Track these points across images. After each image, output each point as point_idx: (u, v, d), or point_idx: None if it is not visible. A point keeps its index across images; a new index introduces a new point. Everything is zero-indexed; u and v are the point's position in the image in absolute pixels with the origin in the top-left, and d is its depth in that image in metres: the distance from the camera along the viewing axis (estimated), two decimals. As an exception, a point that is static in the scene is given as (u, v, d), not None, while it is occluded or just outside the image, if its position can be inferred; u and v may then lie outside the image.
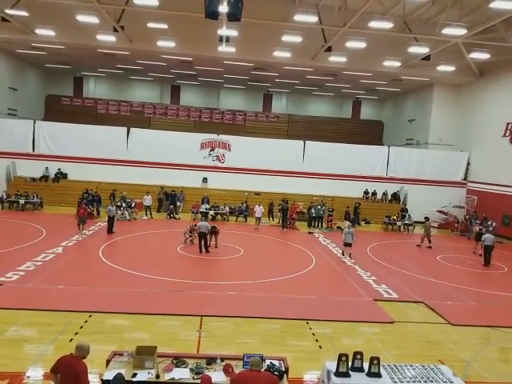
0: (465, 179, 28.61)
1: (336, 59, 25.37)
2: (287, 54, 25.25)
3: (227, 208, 24.39)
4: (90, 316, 9.34)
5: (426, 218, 20.81)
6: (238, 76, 33.58)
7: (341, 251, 17.37)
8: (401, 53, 24.81)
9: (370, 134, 38.20)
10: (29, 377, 6.86)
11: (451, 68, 25.90)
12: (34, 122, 27.10)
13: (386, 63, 25.93)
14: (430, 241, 20.29)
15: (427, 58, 24.23)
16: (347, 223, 19.59)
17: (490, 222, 21.22)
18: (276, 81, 34.63)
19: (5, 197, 23.26)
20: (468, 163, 28.48)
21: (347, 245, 16.87)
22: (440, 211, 26.99)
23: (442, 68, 25.91)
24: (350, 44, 23.16)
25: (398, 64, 26.09)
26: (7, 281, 11.24)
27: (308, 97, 40.61)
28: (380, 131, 39.47)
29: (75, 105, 36.49)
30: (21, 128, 26.74)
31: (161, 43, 24.53)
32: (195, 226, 16.70)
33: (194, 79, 36.72)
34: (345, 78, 31.04)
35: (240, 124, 37.50)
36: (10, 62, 29.86)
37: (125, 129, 27.41)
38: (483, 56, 23.92)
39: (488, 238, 17.33)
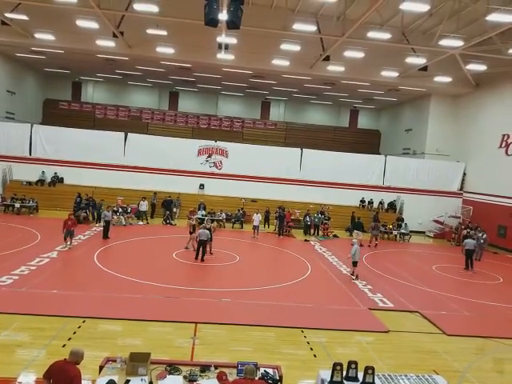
0: (461, 189, 28.75)
1: (334, 68, 25.56)
2: (286, 63, 25.41)
3: (224, 214, 24.37)
4: (84, 321, 9.26)
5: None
6: (236, 83, 33.76)
7: (337, 260, 17.13)
8: (398, 63, 25.06)
9: (367, 143, 38.40)
10: (20, 382, 6.79)
11: (448, 79, 26.18)
12: (32, 126, 27.03)
13: (384, 73, 26.16)
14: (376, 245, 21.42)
15: (424, 68, 24.52)
16: (356, 234, 19.44)
17: (481, 234, 20.82)
18: (274, 89, 34.83)
19: (0, 200, 23.12)
20: (464, 173, 28.64)
21: (355, 264, 14.89)
22: (436, 221, 27.08)
23: (438, 79, 26.20)
24: (348, 53, 23.42)
25: (395, 74, 26.34)
26: (1, 285, 11.15)
27: (306, 105, 40.83)
28: (377, 140, 39.68)
29: (73, 109, 36.49)
30: (18, 131, 26.66)
31: (160, 49, 24.65)
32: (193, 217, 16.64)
33: (193, 86, 36.87)
34: (342, 87, 31.28)
35: (238, 131, 37.61)
36: (8, 66, 29.88)
37: (122, 134, 27.40)
38: (480, 67, 24.19)
39: (469, 242, 18.10)
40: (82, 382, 5.30)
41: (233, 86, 35.36)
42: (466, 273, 17.62)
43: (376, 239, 22.16)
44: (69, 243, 15.93)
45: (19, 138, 26.45)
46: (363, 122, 41.38)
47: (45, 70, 34.57)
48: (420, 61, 23.62)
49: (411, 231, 24.80)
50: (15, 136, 26.41)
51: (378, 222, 23.56)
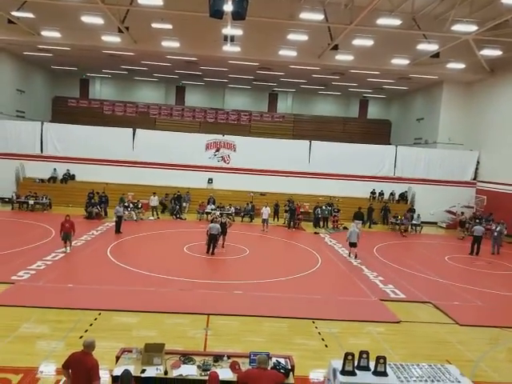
0: (474, 179, 28.32)
1: (343, 57, 25.26)
2: (293, 53, 25.20)
3: (233, 208, 24.43)
4: (100, 314, 9.46)
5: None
6: (243, 76, 33.64)
7: (347, 252, 17.28)
8: (409, 50, 24.54)
9: (377, 133, 38.02)
10: (41, 372, 7.01)
11: (461, 65, 25.60)
12: (42, 124, 27.33)
13: (394, 61, 25.74)
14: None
15: (436, 55, 23.97)
16: (355, 223, 19.50)
17: (494, 227, 20.14)
18: (281, 80, 34.63)
19: (15, 197, 23.51)
20: (478, 162, 28.19)
21: (352, 245, 16.56)
22: (448, 211, 26.81)
23: (451, 65, 25.64)
24: (357, 42, 23.02)
25: (406, 62, 25.88)
26: (19, 279, 11.42)
27: (314, 96, 40.54)
28: (387, 130, 39.26)
29: (81, 106, 36.75)
30: (29, 130, 26.98)
31: (165, 43, 24.64)
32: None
33: (199, 79, 36.84)
34: (352, 77, 30.93)
35: (245, 124, 37.54)
36: (17, 64, 30.14)
37: (130, 130, 27.55)
38: (494, 52, 23.50)
39: (477, 229, 18.74)
40: (100, 371, 5.44)
41: (239, 79, 35.25)
42: (479, 262, 17.50)
43: (405, 230, 23.09)
44: (68, 247, 14.66)
45: (30, 136, 26.77)
46: (373, 111, 40.95)
47: (52, 68, 34.84)
48: (432, 47, 23.11)
49: (423, 222, 24.59)
50: (26, 134, 26.75)
51: (409, 212, 23.85)
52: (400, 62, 25.81)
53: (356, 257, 16.48)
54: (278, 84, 36.78)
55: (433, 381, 6.35)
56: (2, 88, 28.33)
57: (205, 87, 39.67)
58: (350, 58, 25.34)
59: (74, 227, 14.73)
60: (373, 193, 27.96)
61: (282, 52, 25.12)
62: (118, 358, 6.26)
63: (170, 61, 29.09)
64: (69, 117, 33.12)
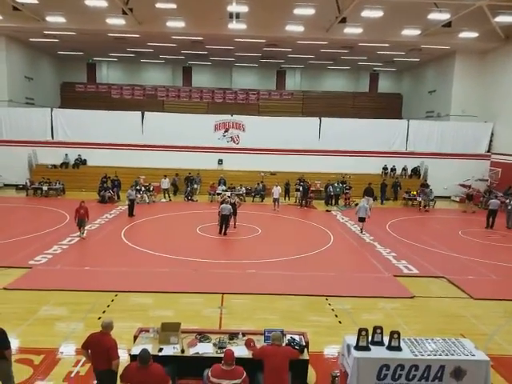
0: (488, 151, 27.77)
1: (351, 31, 24.61)
2: (300, 28, 24.63)
3: (244, 189, 24.45)
4: (116, 295, 9.67)
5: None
6: (249, 54, 33.10)
7: (359, 229, 17.22)
8: (420, 20, 23.66)
9: (389, 107, 37.25)
10: (62, 352, 7.23)
11: (474, 34, 24.69)
12: (51, 110, 27.45)
13: (405, 32, 24.95)
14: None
15: (448, 24, 23.14)
16: (366, 199, 19.39)
17: (508, 200, 19.87)
18: (289, 56, 33.97)
19: (29, 184, 23.87)
20: (492, 134, 27.58)
21: (360, 219, 16.80)
22: (462, 185, 26.44)
23: (464, 35, 24.75)
24: (366, 14, 22.21)
25: (417, 33, 25.05)
26: (36, 263, 11.70)
27: (323, 72, 39.78)
28: (399, 104, 38.47)
29: (89, 91, 36.66)
30: (39, 116, 27.17)
31: (170, 23, 24.25)
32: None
33: (206, 59, 36.39)
34: (361, 50, 30.16)
35: (253, 103, 37.13)
36: (24, 52, 30.04)
37: (139, 113, 27.53)
38: (510, 19, 22.51)
39: (493, 202, 18.72)
40: (118, 351, 5.59)
41: (246, 57, 34.71)
42: (494, 236, 17.33)
43: (425, 205, 22.95)
44: (83, 232, 14.74)
45: (40, 123, 26.97)
46: (384, 85, 40.07)
47: (59, 54, 34.68)
48: (443, 16, 22.27)
49: (436, 197, 24.31)
50: (36, 121, 26.95)
51: (425, 188, 23.46)
52: (411, 32, 25.02)
53: (362, 231, 16.84)
54: (286, 61, 36.14)
55: (447, 354, 6.40)
56: (11, 76, 28.35)
57: (211, 67, 39.20)
58: (358, 30, 24.67)
59: (88, 213, 14.77)
60: (385, 168, 27.68)
61: (288, 27, 24.56)
62: (135, 338, 6.43)
63: (175, 41, 28.71)
64: (77, 102, 33.20)
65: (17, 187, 25.03)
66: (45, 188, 23.42)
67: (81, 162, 26.96)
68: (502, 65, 26.47)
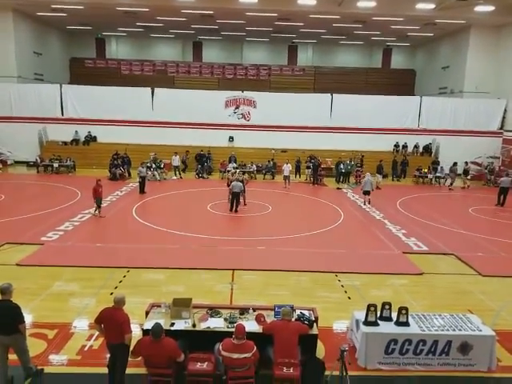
0: (501, 128, 27.28)
1: (364, 4, 24.00)
2: (312, 1, 24.05)
3: (254, 166, 24.40)
4: (128, 271, 9.85)
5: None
6: (261, 28, 32.42)
7: (363, 201, 17.86)
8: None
9: (402, 83, 36.44)
10: (75, 327, 7.41)
11: (490, 8, 23.92)
12: (61, 86, 27.38)
13: (419, 6, 24.21)
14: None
15: (464, -4, 22.48)
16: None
17: None
18: (301, 31, 33.22)
19: (39, 161, 24.05)
20: (505, 111, 27.01)
21: (366, 193, 17.65)
22: (474, 162, 26.08)
23: (479, 8, 23.98)
24: (379, -14, 21.71)
25: (431, 6, 24.30)
26: (48, 240, 11.89)
27: (335, 47, 38.92)
28: (412, 80, 37.62)
29: (99, 67, 36.40)
30: (48, 92, 27.09)
31: (180, -3, 23.82)
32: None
33: (216, 34, 35.76)
34: (374, 25, 29.36)
35: (264, 79, 36.60)
36: (32, 26, 29.67)
37: (149, 89, 27.35)
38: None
39: (504, 180, 18.81)
40: (131, 325, 5.74)
41: (257, 32, 34.02)
42: (504, 214, 17.19)
43: (451, 183, 23.03)
44: (99, 211, 14.69)
45: (50, 99, 26.91)
46: (397, 61, 39.11)
47: (67, 29, 34.33)
48: (459, -11, 21.66)
49: (447, 174, 24.08)
50: (46, 97, 26.87)
51: (454, 166, 23.58)
52: (425, 6, 24.27)
53: (369, 203, 17.73)
54: (298, 35, 35.36)
55: (454, 330, 6.49)
56: (20, 51, 28.11)
57: (222, 42, 38.56)
58: (371, 4, 24.02)
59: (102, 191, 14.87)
60: (396, 146, 27.36)
61: (300, 1, 23.98)
62: (147, 313, 6.58)
63: (185, 15, 28.19)
64: (87, 78, 33.00)
65: (27, 164, 25.26)
66: (55, 165, 23.57)
67: (91, 139, 27.05)
68: (517, 40, 25.68)
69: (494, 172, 24.38)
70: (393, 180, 24.75)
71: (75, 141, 26.80)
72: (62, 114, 27.13)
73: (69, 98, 27.17)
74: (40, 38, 31.11)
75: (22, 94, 26.57)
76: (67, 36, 36.00)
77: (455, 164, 23.71)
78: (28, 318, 7.14)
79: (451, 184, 23.07)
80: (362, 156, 25.52)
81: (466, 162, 24.13)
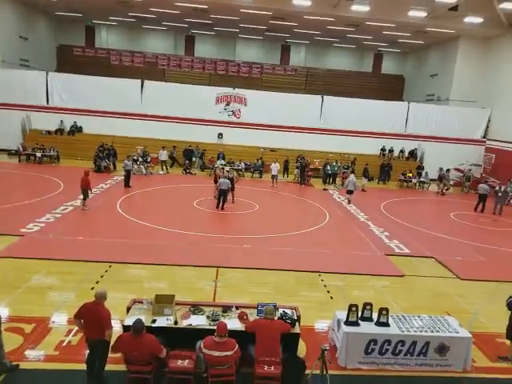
0: (484, 137, 27.85)
1: (358, 8, 24.22)
2: (307, 2, 24.18)
3: (243, 164, 24.36)
4: (110, 266, 9.71)
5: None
6: (255, 26, 32.34)
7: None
8: (427, 2, 23.40)
9: (391, 89, 36.89)
10: (53, 321, 7.25)
11: (479, 19, 24.46)
12: (47, 74, 26.72)
13: (411, 13, 24.63)
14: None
15: (455, 8, 22.92)
16: (351, 176, 19.79)
17: (498, 188, 19.50)
18: (295, 31, 33.25)
19: (21, 149, 23.30)
20: (489, 120, 27.60)
21: (349, 192, 18.57)
22: (457, 169, 26.57)
23: (469, 19, 24.53)
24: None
25: (423, 14, 24.72)
26: (28, 232, 11.60)
27: (328, 49, 39.12)
28: (401, 86, 38.08)
29: (87, 55, 35.76)
30: (34, 79, 26.33)
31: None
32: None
33: (209, 29, 35.53)
34: (367, 29, 29.62)
35: (256, 77, 36.54)
36: (18, 9, 28.60)
37: (139, 81, 27.01)
38: (514, 6, 22.35)
39: (482, 187, 19.15)
40: (111, 321, 5.67)
41: (251, 29, 33.93)
42: (484, 220, 17.56)
43: (446, 189, 23.62)
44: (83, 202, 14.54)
45: (35, 86, 26.19)
46: (387, 66, 39.55)
47: (56, 14, 33.52)
48: (450, -1, 22.02)
49: (432, 180, 24.49)
50: (31, 84, 26.12)
51: (446, 172, 24.06)
52: (417, 14, 24.77)
53: (349, 202, 18.54)
54: (291, 35, 35.40)
55: (432, 331, 6.63)
56: (4, 34, 27.04)
57: (215, 37, 38.34)
58: (365, 9, 24.29)
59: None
60: (383, 150, 27.67)
61: (295, 1, 24.08)
62: (128, 309, 6.51)
63: (179, 8, 27.90)
64: (74, 66, 32.25)
65: (9, 153, 24.48)
66: (38, 154, 22.84)
67: (76, 130, 26.54)
68: (503, 52, 26.38)
69: (470, 179, 24.67)
70: (378, 183, 25.03)
71: (60, 130, 26.24)
72: (47, 103, 26.54)
73: (55, 86, 26.58)
74: (27, 22, 30.12)
75: (5, 80, 25.47)
76: (56, 22, 35.19)
77: (448, 170, 24.12)
78: (4, 312, 6.98)
79: (447, 189, 23.59)
80: (355, 159, 25.72)
81: (441, 169, 24.28)
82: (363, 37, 32.94)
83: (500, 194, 19.09)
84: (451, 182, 25.90)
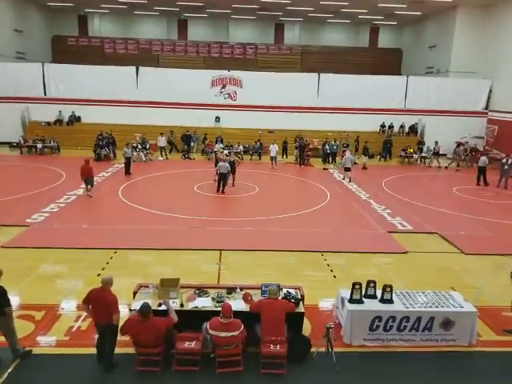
0: (486, 108, 27.53)
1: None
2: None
3: (241, 147, 24.26)
4: (115, 253, 9.83)
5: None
6: (247, 5, 31.73)
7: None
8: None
9: (388, 63, 36.29)
10: (63, 308, 7.41)
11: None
12: (43, 65, 26.59)
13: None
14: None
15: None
16: (347, 154, 19.80)
17: (505, 160, 18.79)
18: (288, 9, 32.57)
19: (22, 142, 23.49)
20: (490, 91, 27.22)
21: (347, 169, 18.63)
22: (458, 142, 26.37)
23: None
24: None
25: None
26: (34, 222, 11.77)
27: (322, 25, 38.41)
28: (398, 60, 37.50)
29: (82, 45, 35.36)
30: (30, 72, 26.29)
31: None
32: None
33: (201, 11, 34.92)
34: (361, 2, 28.97)
35: (251, 58, 36.06)
36: (11, 2, 28.42)
37: (134, 68, 26.76)
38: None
39: (481, 159, 18.96)
40: (119, 306, 5.76)
41: (244, 9, 33.28)
42: (487, 193, 17.52)
43: (457, 164, 23.25)
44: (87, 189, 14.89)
45: (32, 78, 26.14)
46: (384, 40, 38.84)
47: (49, 5, 33.09)
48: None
49: (433, 154, 24.34)
50: (28, 76, 26.09)
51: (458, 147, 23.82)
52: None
53: (350, 180, 18.53)
54: (284, 13, 34.71)
55: (437, 306, 6.66)
56: (-1, 28, 27.08)
57: (208, 19, 37.68)
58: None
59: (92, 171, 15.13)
60: (382, 126, 27.45)
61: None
62: (135, 294, 6.61)
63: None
64: (69, 56, 32.02)
65: (10, 145, 24.66)
66: (39, 146, 23.08)
67: (75, 119, 26.50)
68: (503, 20, 25.69)
69: (470, 153, 24.19)
70: (379, 160, 24.95)
71: (59, 121, 26.22)
72: (45, 94, 26.44)
73: (51, 78, 26.43)
74: (20, 15, 29.91)
75: (2, 74, 25.61)
76: (49, 13, 34.72)
77: (459, 145, 23.88)
78: (15, 300, 7.10)
79: (457, 165, 23.32)
80: (357, 137, 25.53)
81: (436, 142, 24.29)
82: (358, 10, 32.22)
83: (506, 167, 18.57)
84: (452, 156, 25.77)
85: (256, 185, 17.36)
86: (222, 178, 15.77)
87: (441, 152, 24.36)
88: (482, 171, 18.70)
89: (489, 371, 6.21)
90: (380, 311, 6.53)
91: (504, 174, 18.61)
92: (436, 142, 24.06)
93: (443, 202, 15.54)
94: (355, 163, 23.35)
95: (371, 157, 24.10)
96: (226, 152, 19.84)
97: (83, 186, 15.09)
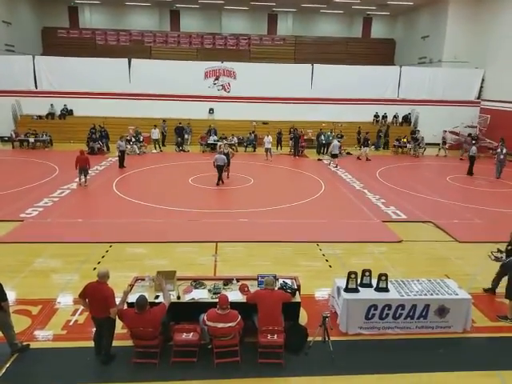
0: (478, 98, 27.65)
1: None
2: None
3: (235, 139, 24.20)
4: (111, 246, 9.80)
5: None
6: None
7: (350, 177, 17.82)
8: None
9: (381, 53, 36.33)
10: (59, 302, 7.40)
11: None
12: (33, 58, 26.23)
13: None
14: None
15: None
16: (335, 141, 20.32)
17: (500, 150, 18.88)
18: (281, -1, 32.43)
19: (14, 136, 23.20)
20: (483, 80, 27.33)
21: (334, 156, 19.72)
22: (451, 132, 26.50)
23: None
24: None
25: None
26: (27, 217, 11.69)
27: (315, 16, 38.17)
28: (391, 50, 37.50)
29: (72, 37, 34.93)
30: (21, 64, 25.93)
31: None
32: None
33: (194, 2, 34.55)
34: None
35: (244, 49, 35.85)
36: (-2, -7, 28.11)
37: (126, 60, 26.49)
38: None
39: (472, 149, 19.10)
40: (115, 299, 5.76)
41: (236, 0, 33.03)
42: (480, 181, 17.65)
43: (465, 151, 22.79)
44: (83, 180, 15.31)
45: (23, 71, 25.80)
46: (377, 31, 38.77)
47: (37, -5, 32.63)
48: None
49: (427, 144, 24.44)
50: (18, 69, 25.74)
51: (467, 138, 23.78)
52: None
53: (337, 166, 19.53)
54: (278, 3, 34.48)
55: (432, 294, 6.74)
56: (-14, 20, 26.70)
57: (200, 10, 37.29)
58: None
59: (88, 161, 15.55)
60: (376, 116, 27.48)
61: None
62: (131, 287, 6.60)
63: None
64: (60, 48, 31.64)
65: (2, 139, 24.42)
66: (31, 140, 22.84)
67: (67, 113, 26.23)
68: (495, 10, 25.78)
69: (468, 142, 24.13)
70: (376, 150, 25.07)
71: (51, 114, 25.94)
72: (36, 87, 26.13)
73: (42, 70, 26.11)
74: (9, 6, 29.36)
75: (-8, 67, 25.29)
76: (38, 4, 34.14)
77: (413, 132, 24.32)
78: (11, 295, 7.07)
79: (462, 154, 23.14)
80: (359, 127, 25.52)
81: (418, 131, 24.50)
82: (351, 1, 32.14)
83: (502, 157, 18.47)
84: (446, 146, 25.90)
85: (251, 176, 17.35)
86: (219, 170, 15.74)
87: (435, 141, 24.41)
88: (471, 160, 18.76)
89: (483, 357, 6.29)
90: (375, 300, 6.59)
91: (501, 163, 18.50)
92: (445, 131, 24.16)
93: (437, 191, 15.66)
94: (349, 153, 23.54)
95: (378, 147, 24.26)
96: (220, 143, 19.82)
97: (77, 179, 15.17)
